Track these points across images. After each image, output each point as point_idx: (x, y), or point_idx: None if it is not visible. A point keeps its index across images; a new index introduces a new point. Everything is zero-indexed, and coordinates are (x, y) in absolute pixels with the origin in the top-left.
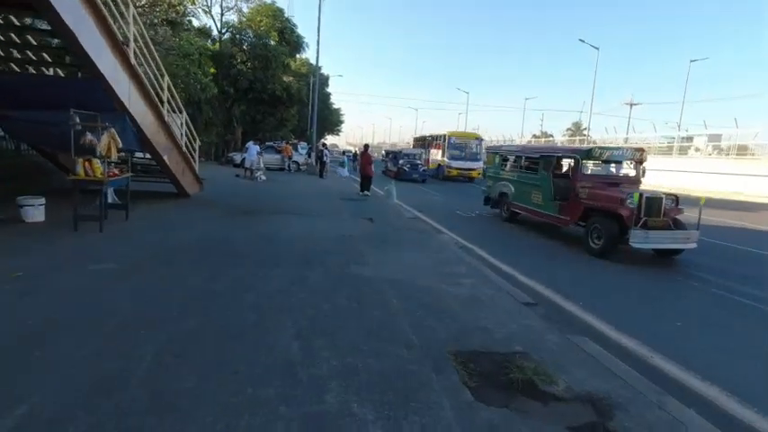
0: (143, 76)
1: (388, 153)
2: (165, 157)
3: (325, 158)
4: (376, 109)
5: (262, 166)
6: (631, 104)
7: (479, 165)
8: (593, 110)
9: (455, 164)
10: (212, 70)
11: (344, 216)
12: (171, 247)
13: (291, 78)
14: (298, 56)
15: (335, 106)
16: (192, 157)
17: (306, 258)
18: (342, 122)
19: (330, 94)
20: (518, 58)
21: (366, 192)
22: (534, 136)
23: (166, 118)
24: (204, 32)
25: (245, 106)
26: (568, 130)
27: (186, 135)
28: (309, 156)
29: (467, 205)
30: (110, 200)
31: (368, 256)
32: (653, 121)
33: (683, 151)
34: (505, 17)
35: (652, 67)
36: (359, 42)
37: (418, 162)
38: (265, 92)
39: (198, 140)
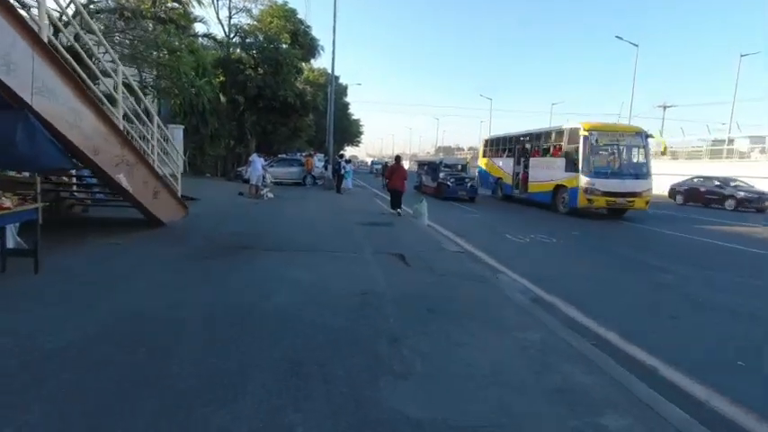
0: (65, 53)
1: (422, 164)
2: (121, 176)
3: (343, 171)
4: (395, 119)
5: (268, 181)
6: (665, 107)
7: (648, 185)
8: (623, 113)
9: (604, 184)
10: (221, 78)
11: (366, 252)
12: (45, 353)
13: (306, 87)
14: (314, 64)
15: (354, 117)
16: (175, 176)
17: (295, 361)
18: (361, 133)
19: (349, 103)
20: (544, 61)
21: (398, 209)
22: None
23: (120, 122)
24: (212, 38)
25: (256, 116)
26: None
27: (163, 147)
28: (326, 168)
29: (515, 225)
30: (10, 244)
31: (406, 348)
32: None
33: (714, 155)
34: (530, 18)
35: (683, 68)
36: (377, 51)
37: (464, 175)
38: (276, 99)
39: (199, 154)
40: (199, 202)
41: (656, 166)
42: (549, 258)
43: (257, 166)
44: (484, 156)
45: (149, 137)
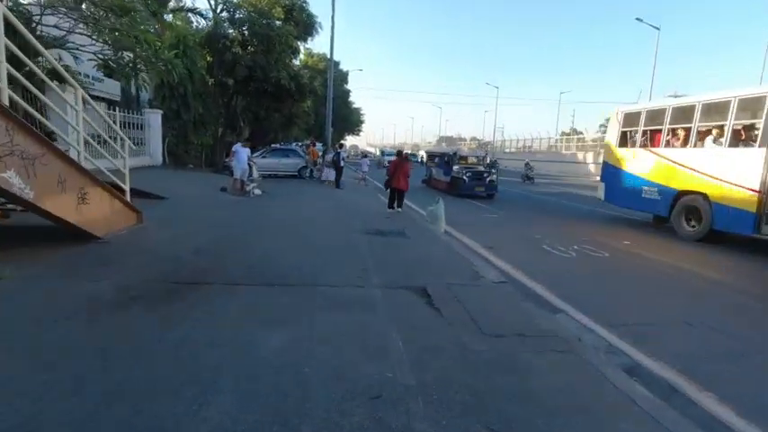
0: None
1: (432, 156)
2: (8, 174)
3: (341, 164)
4: (396, 107)
5: (256, 175)
6: (675, 96)
7: None
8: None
9: None
10: (208, 58)
11: (373, 285)
12: None
13: (302, 70)
14: (313, 48)
15: (355, 105)
16: (122, 173)
17: None
18: (362, 122)
19: (349, 91)
20: (552, 47)
21: (398, 208)
22: (563, 133)
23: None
24: (197, 13)
25: (246, 100)
26: (602, 126)
27: (108, 132)
28: (324, 159)
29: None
30: None
31: None
32: None
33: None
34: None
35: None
36: (377, 37)
37: (481, 169)
38: (268, 81)
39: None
40: (165, 203)
41: None
42: (621, 287)
43: (242, 157)
44: (624, 144)
45: (71, 118)
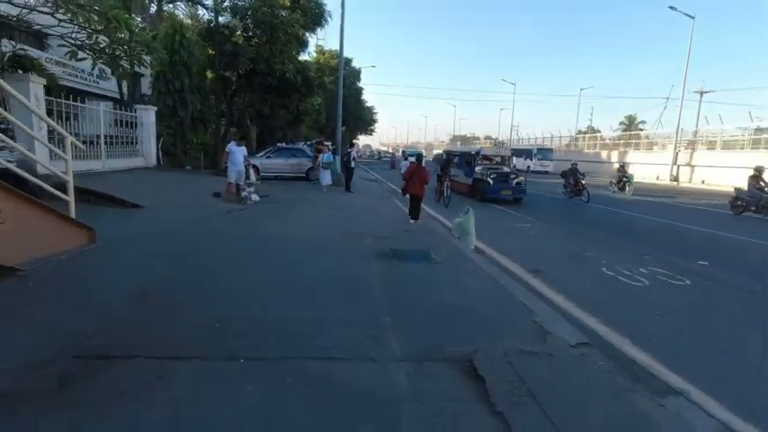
0: None
1: (451, 155)
2: None
3: (353, 165)
4: (410, 107)
5: (253, 178)
6: (702, 92)
7: None
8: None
9: None
10: (210, 51)
11: (391, 354)
12: None
13: (309, 60)
14: (325, 45)
15: (368, 104)
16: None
17: None
18: (375, 121)
19: (362, 89)
20: (571, 41)
21: (412, 219)
22: (579, 132)
23: None
24: (198, 2)
25: (249, 96)
26: (621, 123)
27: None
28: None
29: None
30: None
31: None
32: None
33: (756, 144)
34: None
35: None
36: (391, 33)
37: (507, 170)
38: (272, 75)
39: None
40: (139, 213)
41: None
42: (739, 341)
43: (236, 158)
44: None
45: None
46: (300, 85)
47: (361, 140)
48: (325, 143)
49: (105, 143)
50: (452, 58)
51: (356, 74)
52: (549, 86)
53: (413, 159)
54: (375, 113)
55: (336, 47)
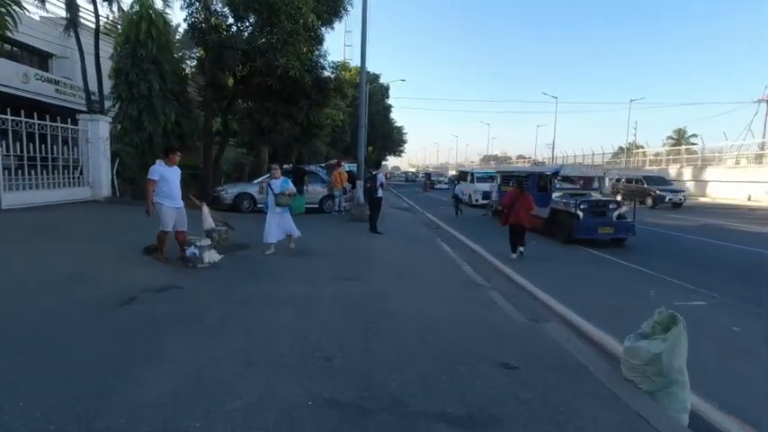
0: None
1: (507, 176)
2: None
3: (378, 194)
4: (440, 125)
5: (209, 224)
6: (767, 101)
7: None
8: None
9: None
10: (202, 52)
11: None
12: None
13: (320, 59)
14: (351, 61)
15: (397, 123)
16: None
17: None
18: (404, 142)
19: (391, 106)
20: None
21: (521, 248)
22: (620, 148)
23: None
24: None
25: (247, 104)
26: (669, 138)
27: None
28: (354, 186)
29: None
30: None
31: None
32: None
33: None
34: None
35: None
36: (420, 48)
37: (604, 198)
38: (272, 74)
39: None
40: None
41: None
42: None
43: (170, 187)
44: None
45: None
46: (311, 89)
47: (390, 162)
48: (343, 165)
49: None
50: (483, 74)
51: (384, 90)
52: (587, 100)
53: (485, 186)
54: (404, 134)
55: (349, 47)
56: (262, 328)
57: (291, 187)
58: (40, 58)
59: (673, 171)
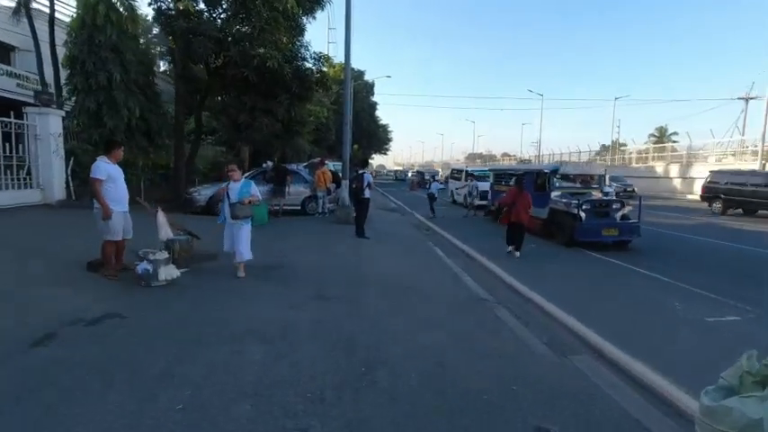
0: None
1: (500, 175)
2: None
3: (365, 194)
4: (425, 124)
5: (166, 234)
6: (747, 99)
7: None
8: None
9: None
10: (173, 44)
11: None
12: None
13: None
14: (335, 58)
15: (382, 121)
16: None
17: None
18: (390, 140)
19: (376, 104)
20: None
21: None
22: (603, 147)
23: None
24: None
25: (223, 99)
26: (651, 136)
27: None
28: (338, 186)
29: None
30: None
31: None
32: None
33: None
34: None
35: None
36: (405, 45)
37: (608, 197)
38: (248, 65)
39: None
40: None
41: None
42: None
43: (115, 190)
44: None
45: None
46: (291, 81)
47: (375, 160)
48: (326, 163)
49: None
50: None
51: (369, 87)
52: (572, 97)
53: (484, 184)
54: (390, 132)
55: (353, 63)
56: (218, 381)
57: (254, 192)
58: (1, 51)
59: (659, 168)
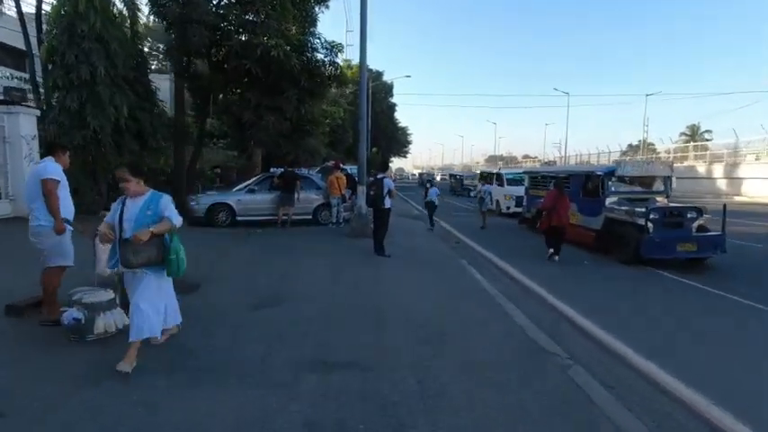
0: None
1: (536, 177)
2: None
3: (385, 204)
4: (445, 126)
5: (107, 270)
6: None
7: None
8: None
9: None
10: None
11: None
12: None
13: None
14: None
15: (401, 124)
16: None
17: None
18: (410, 143)
19: (395, 105)
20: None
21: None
22: (630, 146)
23: None
24: None
25: (226, 96)
26: (682, 134)
27: None
28: (353, 193)
29: None
30: None
31: None
32: None
33: None
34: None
35: None
36: (425, 46)
37: (680, 205)
38: (250, 56)
39: None
40: None
41: None
42: None
43: (67, 200)
44: None
45: None
46: (299, 74)
47: (395, 163)
48: (342, 167)
49: None
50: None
51: (389, 88)
52: (599, 94)
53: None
54: (409, 134)
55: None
56: None
57: (168, 214)
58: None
59: (701, 168)
